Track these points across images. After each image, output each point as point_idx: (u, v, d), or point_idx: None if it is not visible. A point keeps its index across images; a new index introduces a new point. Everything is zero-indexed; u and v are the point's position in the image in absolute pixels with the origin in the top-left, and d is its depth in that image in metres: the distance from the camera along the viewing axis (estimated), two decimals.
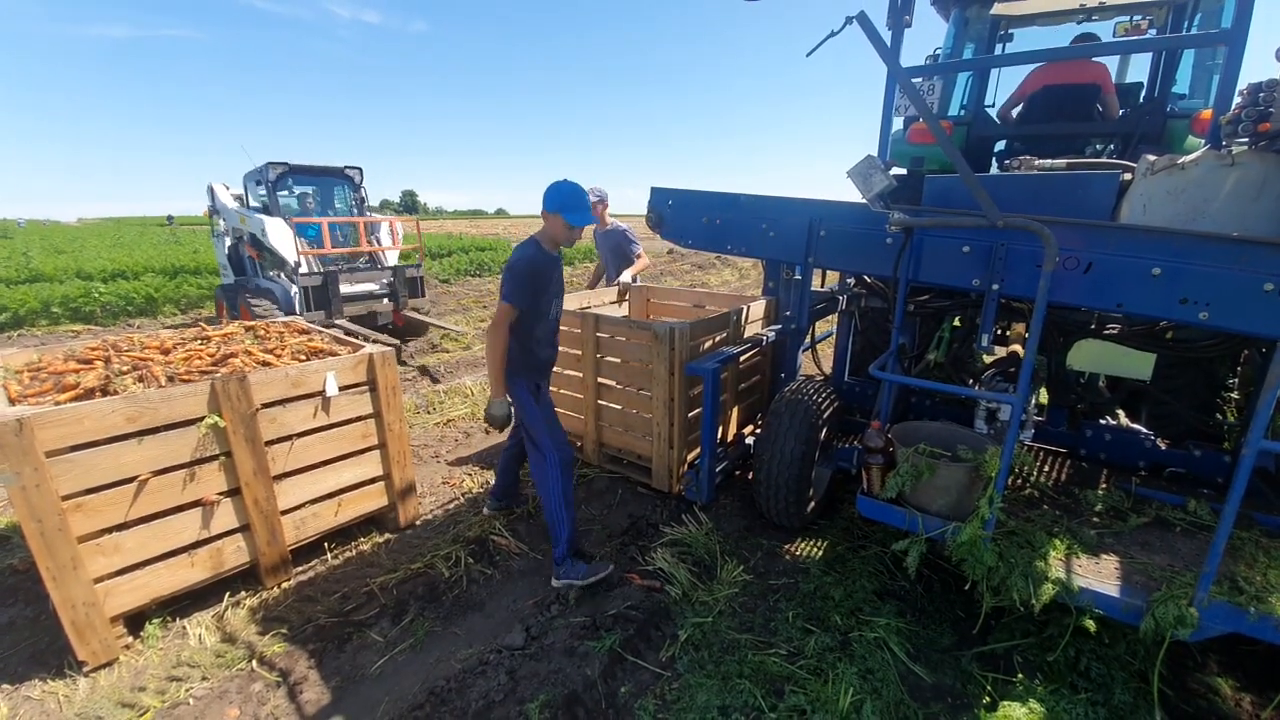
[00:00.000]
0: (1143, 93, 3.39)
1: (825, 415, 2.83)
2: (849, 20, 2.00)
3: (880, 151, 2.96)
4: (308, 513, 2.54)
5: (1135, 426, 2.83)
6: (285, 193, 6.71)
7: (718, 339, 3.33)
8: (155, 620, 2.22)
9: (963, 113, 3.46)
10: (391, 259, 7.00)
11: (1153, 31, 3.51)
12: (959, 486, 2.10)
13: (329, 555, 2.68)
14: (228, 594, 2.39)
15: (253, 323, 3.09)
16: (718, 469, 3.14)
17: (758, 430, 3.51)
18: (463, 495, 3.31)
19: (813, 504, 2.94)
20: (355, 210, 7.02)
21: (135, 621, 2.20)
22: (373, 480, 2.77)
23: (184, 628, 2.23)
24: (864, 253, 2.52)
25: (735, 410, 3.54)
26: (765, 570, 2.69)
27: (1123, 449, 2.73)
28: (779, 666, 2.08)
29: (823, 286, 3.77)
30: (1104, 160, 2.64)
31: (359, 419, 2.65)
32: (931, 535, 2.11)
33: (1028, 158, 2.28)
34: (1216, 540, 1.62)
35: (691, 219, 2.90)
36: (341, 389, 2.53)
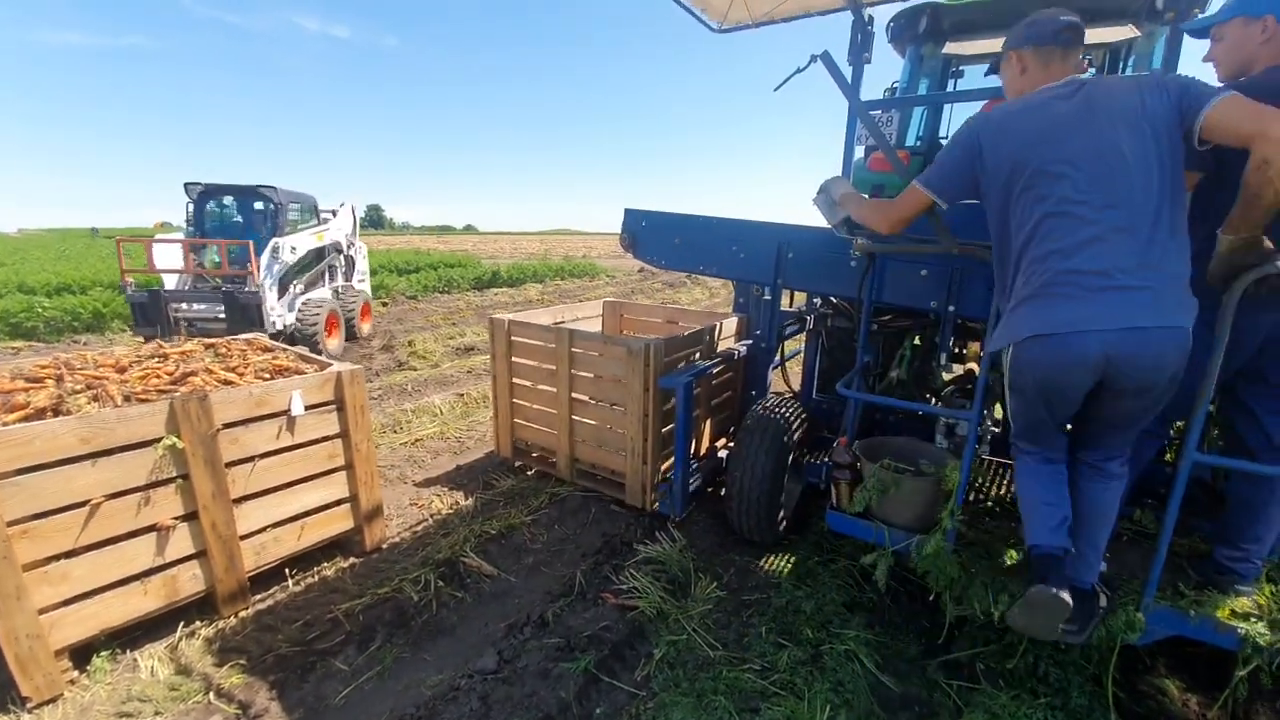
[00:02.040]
0: None
1: (795, 432, 2.94)
2: (814, 58, 2.17)
3: (845, 169, 3.04)
4: (269, 537, 2.50)
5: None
6: (212, 210, 7.06)
7: (691, 355, 3.43)
8: (104, 653, 2.14)
9: (919, 143, 3.71)
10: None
11: (1092, 71, 3.78)
12: (922, 500, 2.20)
13: (290, 582, 2.63)
14: (182, 624, 2.32)
15: (213, 340, 3.05)
16: (691, 483, 3.21)
17: (730, 445, 3.61)
18: (431, 517, 3.28)
19: (784, 519, 3.02)
20: (267, 230, 6.80)
21: (82, 654, 2.12)
22: (338, 502, 2.74)
23: (135, 660, 2.16)
24: (830, 275, 2.71)
25: (708, 425, 3.63)
26: (738, 586, 2.75)
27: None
28: (753, 682, 2.14)
29: (791, 306, 3.93)
30: None
31: (325, 439, 2.63)
32: (898, 548, 2.20)
33: None
34: (1158, 548, 1.75)
35: (664, 240, 3.05)
36: (308, 408, 2.52)
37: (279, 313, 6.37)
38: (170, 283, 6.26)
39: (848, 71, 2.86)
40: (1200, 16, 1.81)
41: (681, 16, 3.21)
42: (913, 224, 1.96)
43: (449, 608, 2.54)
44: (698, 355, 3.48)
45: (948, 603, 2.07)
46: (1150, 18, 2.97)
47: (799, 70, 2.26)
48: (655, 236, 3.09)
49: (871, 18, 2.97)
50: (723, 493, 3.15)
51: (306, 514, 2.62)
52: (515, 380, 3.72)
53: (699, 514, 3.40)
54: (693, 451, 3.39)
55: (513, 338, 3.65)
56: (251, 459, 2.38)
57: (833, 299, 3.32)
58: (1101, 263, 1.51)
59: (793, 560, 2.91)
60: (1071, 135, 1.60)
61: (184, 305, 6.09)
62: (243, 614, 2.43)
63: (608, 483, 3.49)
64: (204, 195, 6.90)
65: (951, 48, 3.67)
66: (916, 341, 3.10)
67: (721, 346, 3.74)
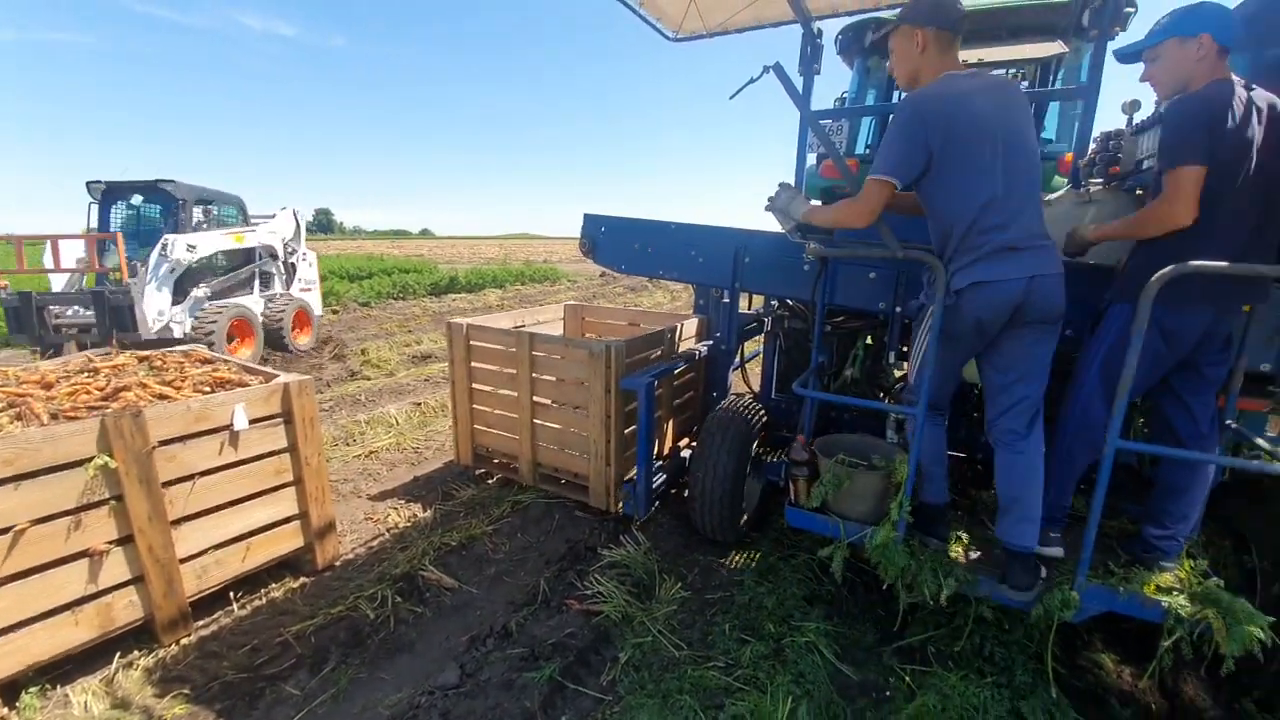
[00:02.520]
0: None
1: (755, 432, 3.02)
2: (766, 69, 2.27)
3: (796, 183, 3.24)
4: (211, 559, 2.41)
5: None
6: (124, 209, 6.76)
7: (652, 356, 3.49)
8: (33, 689, 2.01)
9: (867, 151, 3.89)
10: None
11: (1025, 84, 4.08)
12: (874, 493, 2.30)
13: (236, 605, 2.54)
14: (118, 654, 2.21)
15: (147, 353, 2.92)
16: (655, 484, 3.26)
17: (692, 445, 3.72)
18: (387, 531, 3.22)
19: (745, 517, 3.10)
20: (167, 228, 6.44)
21: (9, 691, 1.99)
22: (287, 520, 2.66)
23: (67, 696, 2.04)
24: (785, 278, 2.86)
25: (670, 425, 3.68)
26: (702, 586, 2.81)
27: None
28: (717, 679, 2.19)
29: (750, 309, 4.01)
30: None
31: (272, 454, 2.55)
32: (853, 540, 2.30)
33: None
34: (1088, 530, 1.88)
35: (624, 245, 3.15)
36: (252, 422, 2.44)
37: (171, 317, 5.92)
38: (58, 286, 5.96)
39: (799, 82, 3.09)
40: (1131, 43, 2.03)
41: (640, 22, 3.32)
42: (861, 229, 2.10)
43: (408, 624, 2.50)
44: (659, 356, 3.54)
45: (900, 590, 2.17)
46: (1077, 34, 3.23)
47: (752, 80, 2.35)
48: (615, 242, 3.18)
49: (820, 31, 3.21)
50: (685, 494, 3.22)
51: (252, 533, 2.53)
52: (475, 386, 3.68)
53: (663, 516, 3.45)
54: (656, 452, 3.44)
55: (472, 342, 3.62)
56: (191, 477, 2.29)
57: (789, 301, 3.45)
58: (1026, 232, 1.90)
59: (755, 558, 2.99)
60: (1001, 127, 1.87)
61: (64, 310, 5.78)
62: (185, 641, 2.33)
63: (571, 486, 3.50)
64: (108, 194, 6.55)
65: None
66: (869, 342, 3.25)
67: (682, 348, 3.81)
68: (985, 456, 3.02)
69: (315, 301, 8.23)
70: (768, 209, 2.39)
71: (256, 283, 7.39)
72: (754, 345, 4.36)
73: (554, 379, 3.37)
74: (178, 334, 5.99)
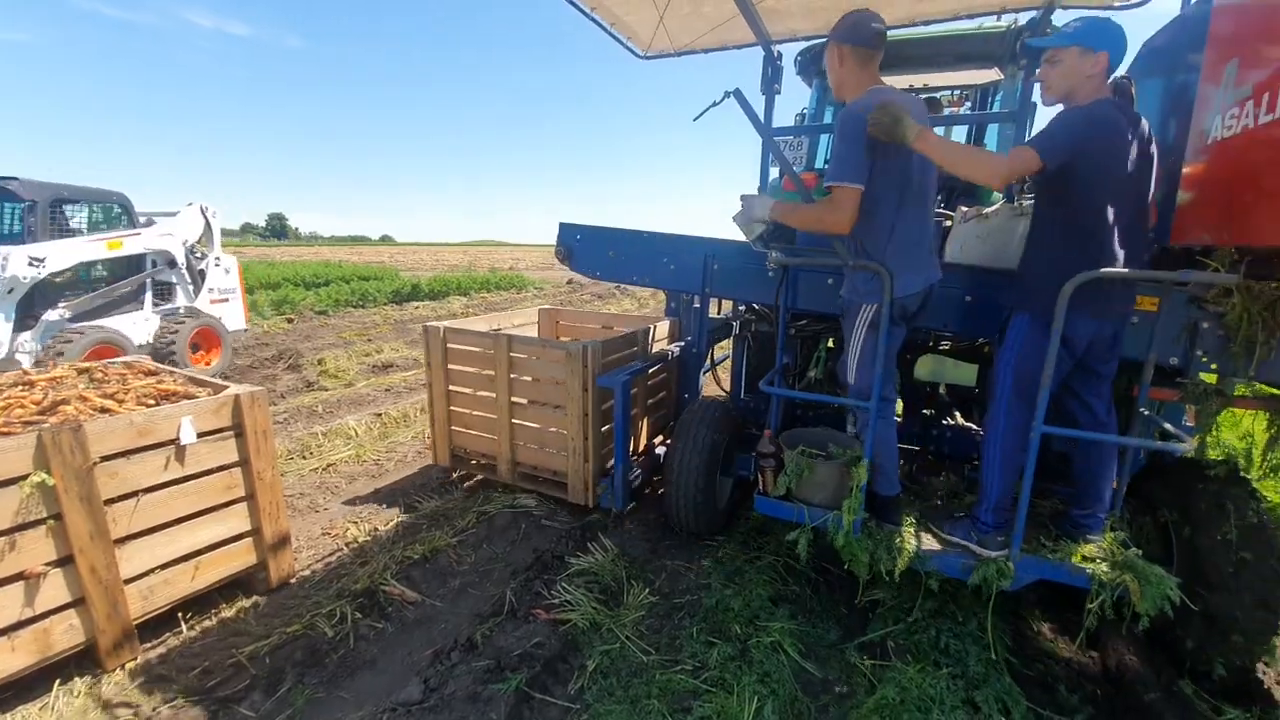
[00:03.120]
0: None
1: (726, 429, 3.18)
2: (727, 94, 2.45)
3: (761, 190, 3.57)
4: (158, 579, 2.33)
5: (969, 425, 3.51)
6: None
7: (627, 355, 3.63)
8: None
9: (826, 165, 4.10)
10: None
11: (968, 104, 4.48)
12: (834, 480, 2.49)
13: (185, 626, 2.46)
14: (58, 681, 2.12)
15: (88, 365, 2.82)
16: (632, 479, 3.40)
17: (666, 443, 3.86)
18: (346, 546, 3.16)
19: (718, 511, 3.24)
20: (14, 236, 5.54)
21: None
22: (239, 537, 2.60)
23: None
24: (751, 284, 3.05)
25: (645, 423, 3.79)
26: (670, 590, 2.86)
27: (959, 444, 3.35)
28: (685, 682, 2.23)
29: (719, 313, 4.18)
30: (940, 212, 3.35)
31: (222, 468, 2.49)
32: (816, 524, 2.47)
33: None
34: (1020, 509, 2.13)
35: (598, 253, 3.30)
36: (201, 435, 2.39)
37: (16, 346, 5.06)
38: None
39: (761, 100, 3.41)
40: (1040, 39, 2.23)
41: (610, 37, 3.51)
42: (818, 239, 2.35)
43: (368, 640, 2.47)
44: (633, 356, 3.68)
45: (861, 573, 2.39)
46: (1012, 62, 3.59)
47: (715, 104, 2.54)
48: (590, 250, 3.32)
49: (780, 53, 3.50)
50: (660, 492, 3.44)
51: (202, 551, 2.47)
52: (452, 388, 3.74)
53: (631, 522, 3.49)
54: (631, 449, 3.57)
55: (449, 345, 3.68)
56: (135, 494, 2.22)
57: (755, 306, 3.61)
58: (931, 243, 2.34)
59: (721, 560, 3.05)
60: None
61: None
62: (130, 665, 2.25)
63: (549, 483, 3.59)
64: None
65: None
66: (830, 344, 3.39)
67: (655, 349, 3.98)
68: (935, 448, 3.33)
69: (233, 314, 7.08)
70: (734, 219, 2.59)
71: (148, 296, 6.25)
72: (722, 349, 4.50)
73: (532, 379, 3.48)
74: (27, 365, 5.06)
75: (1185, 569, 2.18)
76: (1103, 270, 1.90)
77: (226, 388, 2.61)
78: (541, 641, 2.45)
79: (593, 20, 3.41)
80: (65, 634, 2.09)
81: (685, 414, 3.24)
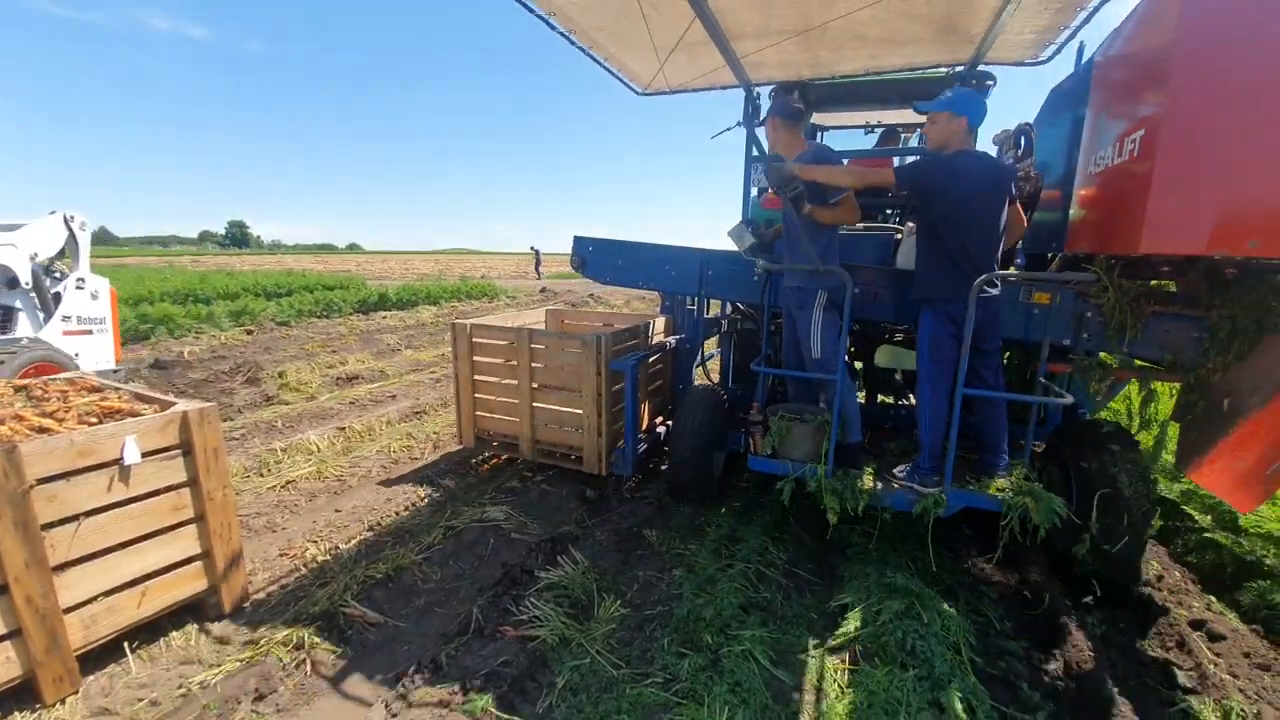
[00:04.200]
0: None
1: (718, 411, 3.76)
2: (738, 123, 3.83)
3: (743, 212, 4.42)
4: (101, 607, 2.25)
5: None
6: None
7: (631, 346, 4.22)
8: None
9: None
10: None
11: (916, 136, 5.31)
12: (809, 439, 3.10)
13: (131, 656, 2.37)
14: None
15: (25, 382, 2.72)
16: (638, 448, 3.95)
17: (663, 424, 4.53)
18: (305, 566, 3.08)
19: (713, 479, 3.79)
20: None
21: None
22: (188, 560, 2.52)
23: None
24: (739, 287, 3.70)
25: (646, 405, 4.30)
26: (641, 602, 2.86)
27: (911, 419, 3.90)
28: (656, 695, 2.24)
29: (707, 314, 4.63)
30: (887, 225, 4.16)
31: (169, 489, 2.42)
32: (797, 475, 3.06)
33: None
34: (949, 455, 2.82)
35: (609, 262, 3.90)
36: (146, 454, 2.32)
37: None
38: None
39: (743, 131, 4.33)
40: (925, 103, 2.93)
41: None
42: (794, 250, 3.15)
43: (327, 665, 2.42)
44: (635, 346, 4.26)
45: (830, 510, 2.92)
46: None
47: (728, 129, 3.79)
48: (601, 259, 3.90)
49: (759, 93, 4.40)
50: (663, 466, 4.26)
51: (149, 576, 2.38)
52: (477, 377, 4.24)
53: (601, 532, 3.49)
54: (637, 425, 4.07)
55: (474, 340, 4.20)
56: (76, 518, 2.14)
57: (741, 305, 4.32)
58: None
59: (693, 570, 3.07)
60: None
61: None
62: (72, 699, 2.16)
63: (565, 457, 4.11)
64: None
65: (816, 117, 5.02)
66: None
67: (653, 341, 4.58)
68: (893, 424, 4.17)
69: (97, 350, 5.67)
70: (729, 234, 3.42)
71: None
72: (709, 347, 4.97)
73: (551, 367, 4.01)
74: None
75: (1082, 502, 2.77)
76: (998, 273, 2.72)
77: (174, 404, 2.54)
78: (509, 659, 2.43)
79: (593, 59, 3.97)
80: (1, 667, 2.00)
81: (687, 395, 3.88)
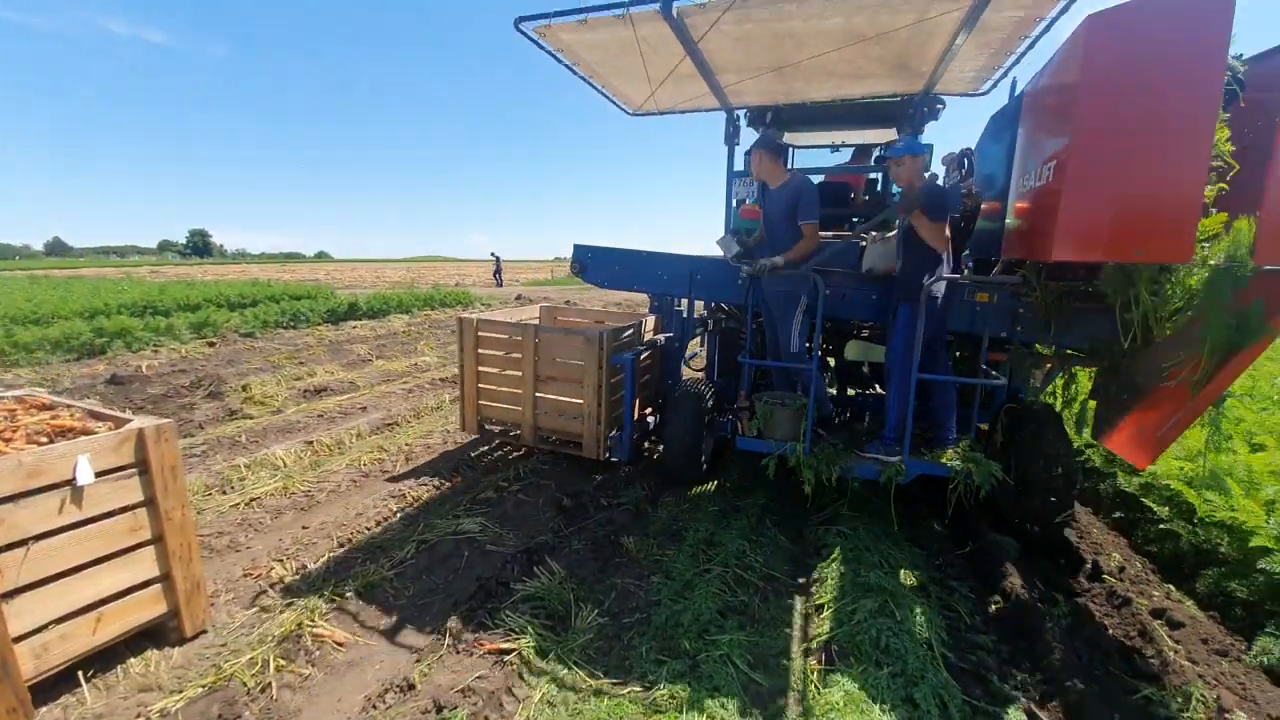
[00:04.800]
0: (877, 189, 5.71)
1: (708, 400, 4.18)
2: (746, 153, 4.44)
3: (726, 222, 5.03)
4: (53, 635, 2.16)
5: (883, 392, 4.43)
6: None
7: (627, 342, 4.62)
8: None
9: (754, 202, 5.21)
10: None
11: (881, 149, 5.79)
12: (789, 421, 3.63)
13: (87, 685, 2.29)
14: None
15: None
16: (635, 435, 4.38)
17: (653, 414, 4.92)
18: (271, 587, 3.00)
19: (704, 463, 4.25)
20: None
21: None
22: (146, 584, 2.44)
23: None
24: (725, 289, 4.18)
25: (638, 397, 4.59)
26: (619, 610, 2.86)
27: (878, 404, 4.46)
28: (634, 704, 2.24)
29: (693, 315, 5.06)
30: (854, 232, 4.70)
31: (125, 509, 2.34)
32: (780, 452, 3.53)
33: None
34: (907, 431, 3.34)
35: (606, 267, 4.36)
36: (100, 474, 2.24)
37: None
38: None
39: (724, 151, 5.10)
40: (893, 148, 3.61)
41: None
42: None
43: (293, 689, 2.36)
44: (630, 343, 4.66)
45: (808, 481, 3.42)
46: (904, 126, 5.07)
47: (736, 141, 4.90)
48: (599, 265, 4.36)
49: (739, 115, 5.10)
50: (655, 456, 4.83)
51: (104, 601, 2.30)
52: (481, 369, 4.65)
53: (578, 540, 3.48)
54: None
55: (480, 333, 4.59)
56: (24, 542, 2.06)
57: (725, 306, 4.80)
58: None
59: (671, 576, 3.08)
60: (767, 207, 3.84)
61: None
62: None
63: (564, 443, 4.53)
64: None
65: (788, 137, 5.54)
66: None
67: (645, 338, 4.96)
68: (861, 409, 4.62)
69: None
70: (717, 242, 4.10)
71: None
72: (692, 347, 5.46)
73: (554, 360, 4.36)
74: None
75: (1018, 469, 3.31)
76: (947, 275, 3.34)
77: (129, 421, 2.47)
78: (484, 674, 2.41)
79: (591, 85, 4.52)
80: None
81: (678, 388, 4.28)
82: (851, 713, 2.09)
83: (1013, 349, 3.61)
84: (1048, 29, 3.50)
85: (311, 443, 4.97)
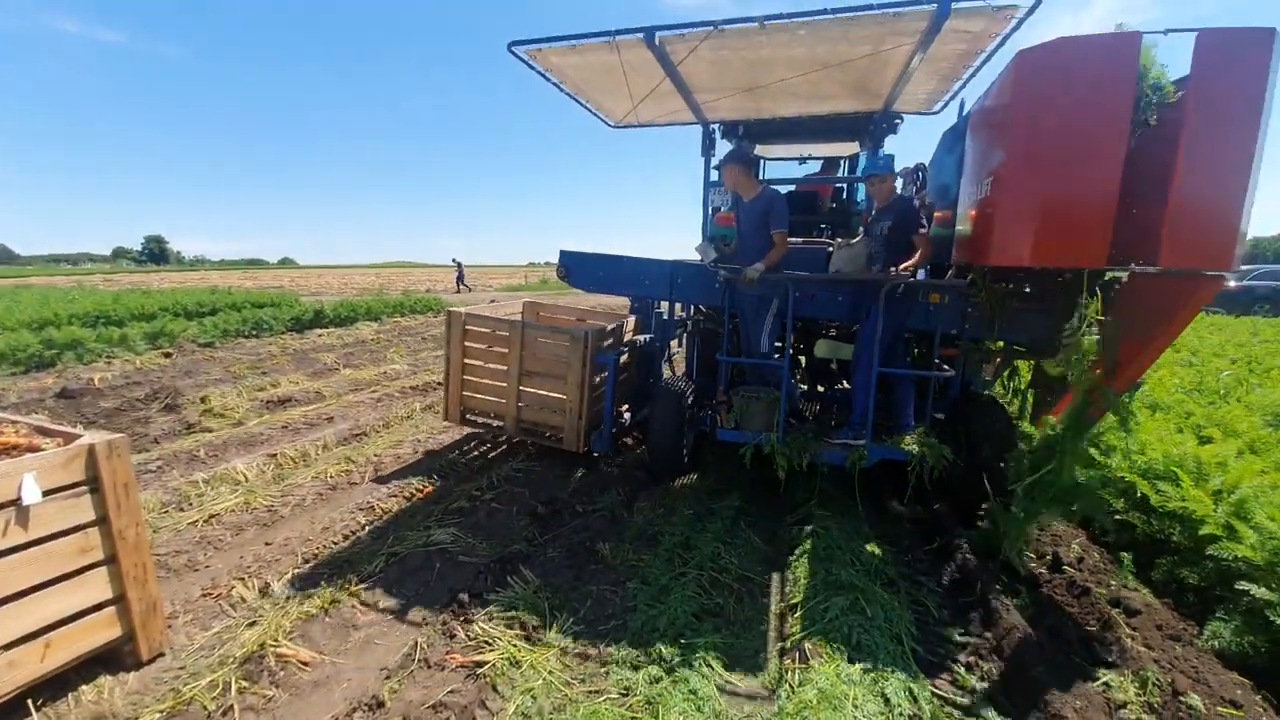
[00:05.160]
0: (843, 197, 6.24)
1: (688, 396, 4.38)
2: (717, 167, 4.67)
3: (703, 228, 5.54)
4: (0, 662, 2.06)
5: (849, 386, 4.71)
6: None
7: (611, 343, 4.81)
8: None
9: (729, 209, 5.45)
10: None
11: (845, 164, 6.52)
12: (764, 413, 3.96)
13: (36, 715, 2.18)
14: None
15: None
16: (613, 430, 4.60)
17: (629, 410, 5.18)
18: (232, 607, 2.90)
19: (684, 452, 4.45)
20: None
21: None
22: (98, 607, 2.34)
23: None
24: (703, 292, 4.43)
25: (617, 394, 4.67)
26: (595, 617, 2.85)
27: (845, 398, 4.74)
28: (611, 711, 2.23)
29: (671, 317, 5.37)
30: (822, 240, 5.21)
31: (75, 529, 2.24)
32: (755, 441, 3.84)
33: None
34: (869, 420, 3.76)
35: (591, 273, 4.58)
36: (47, 493, 2.15)
37: None
38: None
39: (701, 162, 5.55)
40: (872, 169, 4.01)
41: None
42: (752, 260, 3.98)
43: (256, 711, 2.28)
44: (612, 344, 4.84)
45: (780, 465, 3.74)
46: (865, 140, 5.48)
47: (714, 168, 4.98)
48: (584, 270, 4.57)
49: (714, 129, 5.53)
50: (633, 448, 5.13)
51: (53, 626, 2.19)
52: (467, 361, 4.81)
53: (553, 549, 3.46)
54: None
55: (467, 328, 4.77)
56: None
57: (703, 308, 5.02)
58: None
59: (647, 581, 3.08)
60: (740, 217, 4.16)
61: None
62: None
63: (547, 436, 4.74)
64: None
65: (759, 149, 5.99)
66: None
67: (625, 339, 5.18)
68: (829, 401, 5.06)
69: None
70: (696, 249, 4.30)
71: None
72: (672, 346, 5.67)
73: (540, 357, 4.54)
74: None
75: (967, 453, 3.63)
76: (905, 279, 3.67)
77: (79, 436, 2.37)
78: (457, 689, 2.37)
79: (576, 101, 4.90)
80: None
81: (661, 386, 4.52)
82: (825, 709, 2.12)
83: (963, 345, 3.98)
84: (988, 59, 3.96)
85: (275, 455, 4.83)
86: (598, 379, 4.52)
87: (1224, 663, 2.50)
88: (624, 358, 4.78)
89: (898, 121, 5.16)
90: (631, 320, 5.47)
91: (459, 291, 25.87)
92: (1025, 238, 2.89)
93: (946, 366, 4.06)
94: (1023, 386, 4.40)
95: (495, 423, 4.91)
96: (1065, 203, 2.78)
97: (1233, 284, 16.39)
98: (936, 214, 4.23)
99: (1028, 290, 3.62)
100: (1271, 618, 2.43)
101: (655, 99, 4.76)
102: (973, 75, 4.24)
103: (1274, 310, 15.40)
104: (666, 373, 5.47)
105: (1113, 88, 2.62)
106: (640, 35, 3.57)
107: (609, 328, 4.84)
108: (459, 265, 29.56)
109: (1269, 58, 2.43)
